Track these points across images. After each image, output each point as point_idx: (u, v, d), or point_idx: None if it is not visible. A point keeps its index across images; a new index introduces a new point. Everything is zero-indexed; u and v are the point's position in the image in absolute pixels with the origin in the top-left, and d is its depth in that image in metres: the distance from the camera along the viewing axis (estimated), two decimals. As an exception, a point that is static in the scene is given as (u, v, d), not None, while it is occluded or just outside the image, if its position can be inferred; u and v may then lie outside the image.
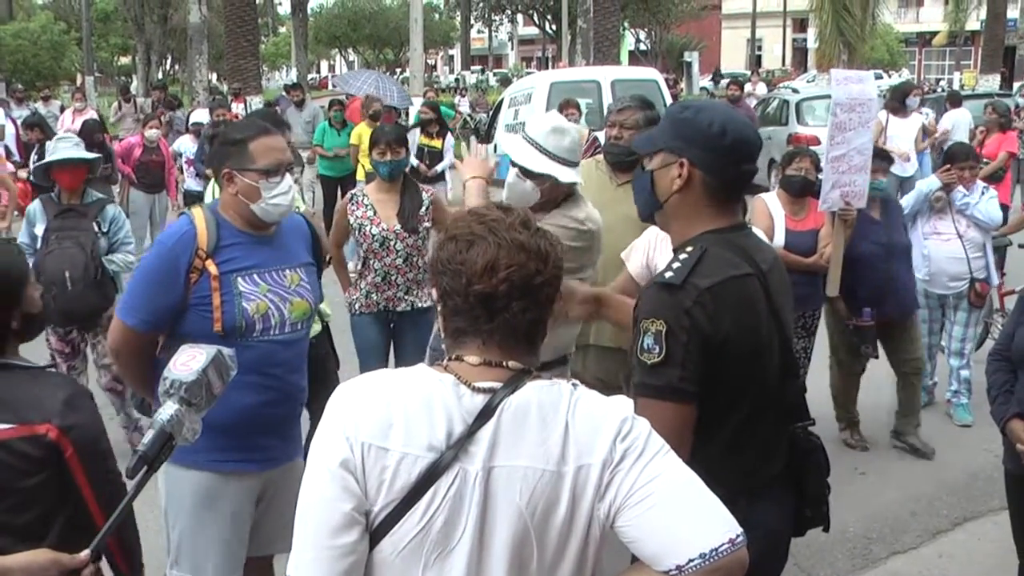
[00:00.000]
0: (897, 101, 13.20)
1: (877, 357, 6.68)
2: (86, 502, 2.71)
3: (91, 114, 17.45)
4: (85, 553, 2.43)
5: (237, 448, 3.51)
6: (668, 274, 2.66)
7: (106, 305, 6.31)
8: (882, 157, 6.74)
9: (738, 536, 1.96)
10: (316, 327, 5.22)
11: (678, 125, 2.82)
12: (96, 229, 6.38)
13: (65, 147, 6.67)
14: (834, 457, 3.09)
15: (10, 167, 11.60)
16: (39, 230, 6.35)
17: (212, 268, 3.50)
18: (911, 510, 6.06)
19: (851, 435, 6.89)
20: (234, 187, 3.57)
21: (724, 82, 26.96)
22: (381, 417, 2.00)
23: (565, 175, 4.18)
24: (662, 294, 2.65)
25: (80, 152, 6.69)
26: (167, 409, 2.48)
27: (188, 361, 2.56)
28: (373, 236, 5.76)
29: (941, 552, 5.61)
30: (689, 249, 2.72)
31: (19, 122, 15.62)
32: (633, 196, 3.04)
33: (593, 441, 1.99)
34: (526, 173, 4.16)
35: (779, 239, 6.22)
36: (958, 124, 15.19)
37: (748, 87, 25.84)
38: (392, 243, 5.76)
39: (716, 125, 2.74)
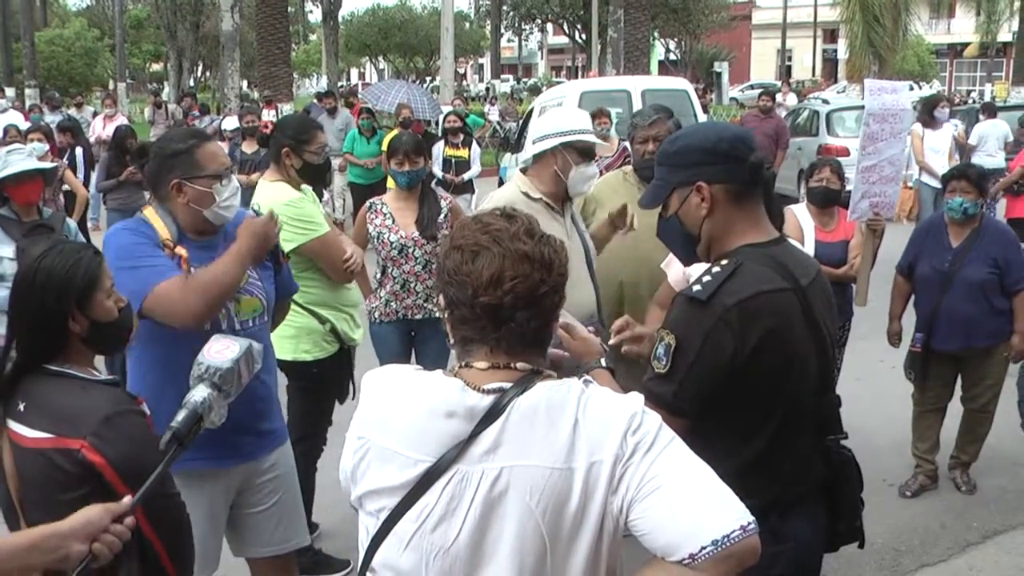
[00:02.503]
0: (927, 114, 13.14)
1: (921, 385, 6.40)
2: (139, 524, 2.61)
3: (122, 120, 17.60)
4: (127, 499, 2.46)
5: (202, 447, 3.50)
6: (696, 287, 2.68)
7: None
8: (966, 176, 6.17)
9: (749, 523, 1.97)
10: (330, 348, 5.14)
11: (675, 157, 2.86)
12: None
13: (18, 159, 6.20)
14: (863, 468, 3.08)
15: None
16: (6, 252, 5.81)
17: (183, 252, 3.56)
18: (941, 522, 6.02)
19: (959, 475, 6.53)
20: (184, 196, 3.59)
21: (755, 92, 26.92)
22: (388, 418, 2.09)
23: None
24: (686, 308, 2.69)
25: (35, 163, 6.32)
26: (200, 392, 2.54)
27: (223, 350, 2.62)
28: (391, 244, 5.78)
29: (971, 565, 5.57)
30: (724, 263, 2.73)
31: (53, 127, 15.76)
32: (671, 249, 3.08)
33: (604, 437, 2.01)
34: (589, 153, 4.61)
35: (808, 250, 6.19)
36: (986, 136, 15.10)
37: (778, 97, 25.79)
38: (411, 250, 5.78)
39: (709, 136, 2.81)
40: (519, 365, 2.09)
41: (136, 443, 2.70)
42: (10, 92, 30.54)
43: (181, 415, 2.49)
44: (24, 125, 14.83)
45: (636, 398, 2.11)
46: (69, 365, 2.79)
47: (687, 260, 3.02)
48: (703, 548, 1.92)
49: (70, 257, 2.80)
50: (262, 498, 3.91)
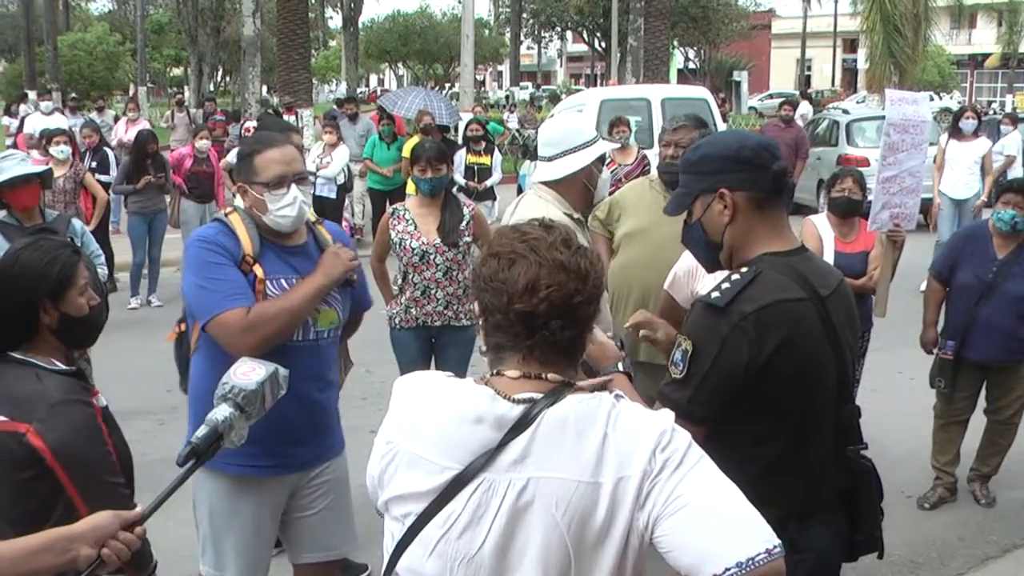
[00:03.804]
0: (953, 125, 13.11)
1: (949, 394, 6.34)
2: (78, 510, 2.74)
3: (144, 124, 17.69)
4: (139, 509, 2.49)
5: (255, 455, 3.52)
6: (715, 294, 2.71)
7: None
8: (1021, 191, 6.10)
9: (775, 547, 1.96)
10: None
11: (698, 165, 2.88)
12: None
13: (12, 165, 6.23)
14: (881, 479, 3.08)
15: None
16: None
17: (259, 271, 3.56)
18: (959, 535, 6.01)
19: (979, 487, 6.51)
20: (248, 200, 3.64)
21: (775, 102, 26.85)
22: (417, 424, 2.10)
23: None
24: (705, 314, 2.72)
25: (30, 168, 6.34)
26: (222, 411, 2.56)
27: (249, 372, 2.65)
28: (413, 250, 5.79)
29: (989, 579, 5.54)
30: (743, 270, 2.74)
31: (75, 129, 15.86)
32: (694, 255, 3.12)
33: (632, 453, 2.01)
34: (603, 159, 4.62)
35: (828, 261, 6.19)
36: (1007, 146, 15.03)
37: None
38: (432, 257, 5.80)
39: (731, 144, 2.82)
40: (550, 376, 2.09)
41: (77, 432, 2.82)
42: (32, 95, 30.68)
43: (202, 431, 2.53)
44: (67, 124, 14.98)
45: (667, 415, 2.11)
46: (32, 354, 2.94)
47: (710, 267, 3.02)
48: (727, 570, 1.92)
49: (48, 253, 2.97)
50: (312, 502, 3.88)
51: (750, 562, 1.93)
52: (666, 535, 1.98)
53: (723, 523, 1.97)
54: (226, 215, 3.69)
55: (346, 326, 4.01)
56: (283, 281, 3.61)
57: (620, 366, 2.73)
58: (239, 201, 3.80)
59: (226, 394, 2.59)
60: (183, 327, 3.84)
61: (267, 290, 3.56)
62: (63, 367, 2.99)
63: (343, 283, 3.81)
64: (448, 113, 17.90)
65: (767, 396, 2.69)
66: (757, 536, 1.97)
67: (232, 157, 13.56)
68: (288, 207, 3.60)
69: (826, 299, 2.79)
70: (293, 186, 3.62)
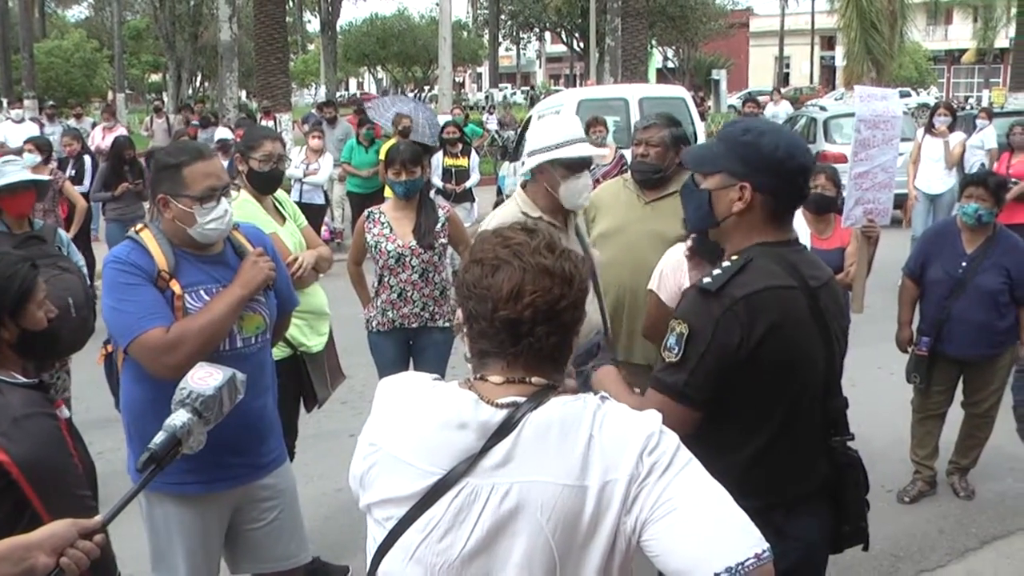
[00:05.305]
0: (928, 121, 13.22)
1: (924, 390, 6.40)
2: (44, 523, 2.67)
3: (121, 131, 17.62)
4: (99, 517, 2.48)
5: (194, 470, 3.50)
6: (707, 280, 2.73)
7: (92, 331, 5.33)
8: (984, 184, 6.16)
9: (764, 551, 1.95)
10: (278, 353, 4.90)
11: (741, 148, 2.84)
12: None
13: (12, 171, 6.19)
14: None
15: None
16: None
17: (176, 287, 3.52)
18: (939, 528, 6.04)
19: (958, 480, 6.55)
20: (170, 212, 3.57)
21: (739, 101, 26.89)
22: (400, 427, 2.09)
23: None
24: (697, 298, 2.74)
25: (29, 175, 6.31)
26: (180, 416, 2.55)
27: (206, 377, 2.64)
28: (389, 253, 5.79)
29: (969, 571, 5.58)
30: (735, 258, 2.77)
31: (53, 137, 15.78)
32: (685, 208, 3.09)
33: (619, 456, 1.99)
34: (577, 166, 4.55)
35: (806, 256, 6.20)
36: (985, 140, 15.11)
37: (771, 107, 25.76)
38: (408, 259, 5.79)
39: (782, 150, 2.77)
40: (534, 380, 2.07)
41: (41, 444, 2.78)
42: (5, 103, 30.53)
43: (160, 438, 2.51)
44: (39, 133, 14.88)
45: (654, 417, 2.09)
46: None
47: (695, 227, 3.04)
48: (716, 575, 1.91)
49: (7, 269, 2.95)
50: (260, 514, 3.88)
51: (739, 567, 1.91)
52: (654, 539, 1.97)
53: (712, 528, 1.96)
54: (137, 232, 3.63)
55: (276, 327, 4.00)
56: (202, 292, 3.57)
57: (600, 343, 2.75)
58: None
59: (184, 399, 2.58)
60: (110, 348, 3.80)
61: (186, 304, 3.51)
62: (25, 380, 2.95)
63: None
64: (431, 130, 17.72)
65: (756, 382, 2.71)
66: (746, 541, 1.95)
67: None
68: (218, 220, 3.57)
69: (816, 290, 2.82)
70: (223, 199, 3.60)
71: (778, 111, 24.51)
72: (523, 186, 4.81)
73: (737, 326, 2.65)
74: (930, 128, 12.99)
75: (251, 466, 3.79)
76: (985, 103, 32.28)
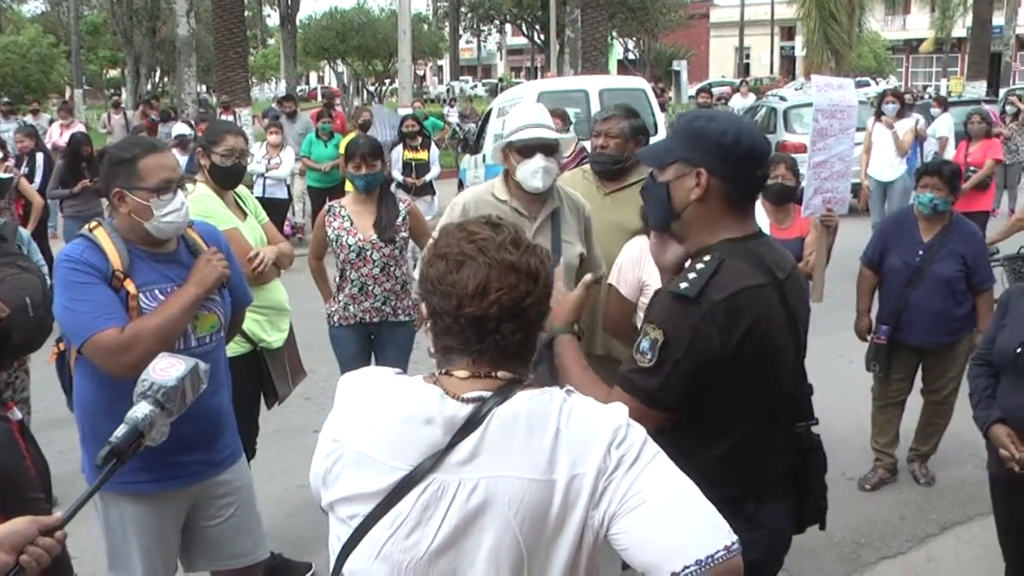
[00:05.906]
0: (877, 109, 13.35)
1: (883, 378, 6.48)
2: None
3: (79, 127, 17.46)
4: (59, 514, 2.44)
5: (148, 468, 3.48)
6: (683, 285, 2.67)
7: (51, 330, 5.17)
8: (938, 173, 6.20)
9: (733, 543, 1.95)
10: (238, 348, 4.93)
11: (691, 135, 2.83)
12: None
13: None
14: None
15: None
16: None
17: (131, 287, 3.49)
18: (900, 514, 6.09)
19: (918, 467, 6.62)
20: (126, 206, 3.53)
21: (716, 91, 26.98)
22: (364, 423, 2.06)
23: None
24: (674, 305, 2.67)
25: None
26: (141, 408, 2.52)
27: (168, 368, 2.60)
28: (350, 247, 5.77)
29: (930, 556, 5.63)
30: (707, 258, 2.73)
31: (8, 134, 15.61)
32: (646, 207, 3.09)
33: (587, 449, 1.98)
34: (528, 150, 4.61)
35: (766, 247, 6.22)
36: (938, 128, 15.28)
37: (738, 98, 25.86)
38: (368, 253, 5.77)
39: (730, 134, 2.76)
40: (500, 374, 2.05)
41: (2, 452, 2.75)
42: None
43: (121, 430, 2.47)
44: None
45: (621, 410, 2.07)
46: None
47: (658, 226, 3.01)
48: (686, 568, 1.90)
49: None
50: (217, 511, 3.87)
51: (709, 559, 1.91)
52: (623, 533, 1.96)
53: (681, 520, 1.95)
54: (91, 230, 3.58)
55: (230, 324, 3.97)
56: (157, 291, 3.55)
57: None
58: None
59: (145, 391, 2.55)
60: (62, 347, 3.76)
61: (141, 304, 3.48)
62: None
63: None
64: (390, 135, 17.50)
65: (733, 381, 2.69)
66: (716, 533, 1.95)
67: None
68: (175, 212, 3.55)
69: (783, 282, 2.82)
70: (179, 192, 3.57)
71: (746, 103, 24.59)
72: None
73: (716, 331, 2.63)
74: (879, 116, 13.09)
75: (206, 463, 3.77)
76: (944, 92, 32.57)
